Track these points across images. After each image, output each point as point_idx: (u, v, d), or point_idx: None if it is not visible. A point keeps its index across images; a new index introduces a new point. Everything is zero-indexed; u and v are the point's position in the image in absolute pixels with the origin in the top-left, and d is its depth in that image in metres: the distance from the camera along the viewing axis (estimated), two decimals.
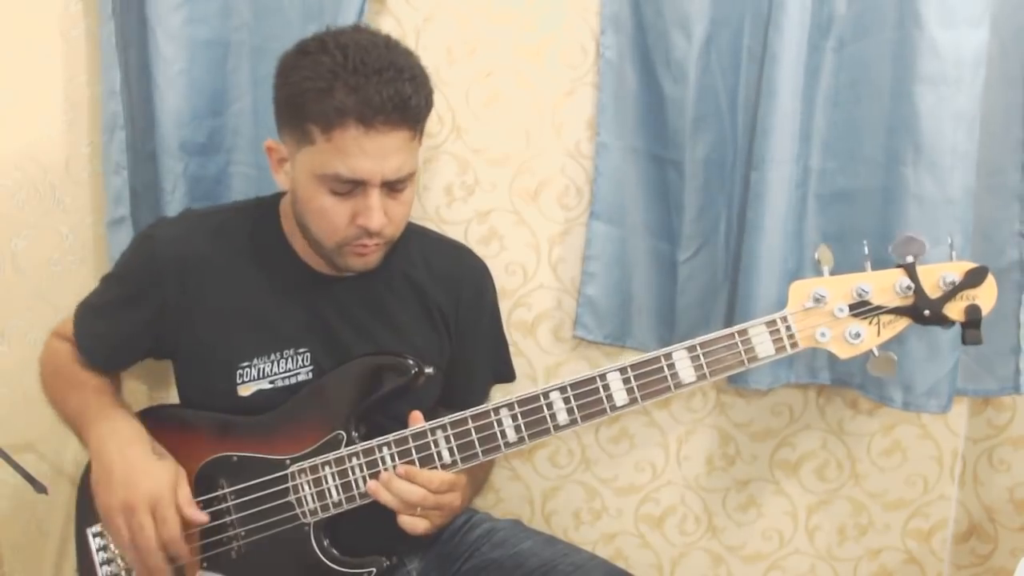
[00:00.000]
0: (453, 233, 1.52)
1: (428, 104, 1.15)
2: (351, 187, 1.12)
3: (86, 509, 1.24)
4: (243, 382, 1.24)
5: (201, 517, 1.18)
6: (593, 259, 1.53)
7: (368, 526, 1.18)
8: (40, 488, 1.27)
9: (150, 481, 1.14)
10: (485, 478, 1.59)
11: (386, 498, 1.14)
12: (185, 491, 1.17)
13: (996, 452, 1.54)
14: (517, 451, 1.63)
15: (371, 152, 1.09)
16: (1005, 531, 1.56)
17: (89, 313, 1.30)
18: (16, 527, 1.50)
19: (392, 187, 1.14)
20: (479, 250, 1.46)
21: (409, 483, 1.14)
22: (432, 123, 1.53)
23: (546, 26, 1.50)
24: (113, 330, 1.28)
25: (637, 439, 1.63)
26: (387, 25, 1.53)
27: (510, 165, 1.55)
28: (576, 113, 1.52)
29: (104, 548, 1.24)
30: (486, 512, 1.46)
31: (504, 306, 1.45)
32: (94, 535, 1.25)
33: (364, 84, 1.07)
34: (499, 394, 1.39)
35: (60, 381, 1.30)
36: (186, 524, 1.17)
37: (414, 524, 1.15)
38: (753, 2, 1.39)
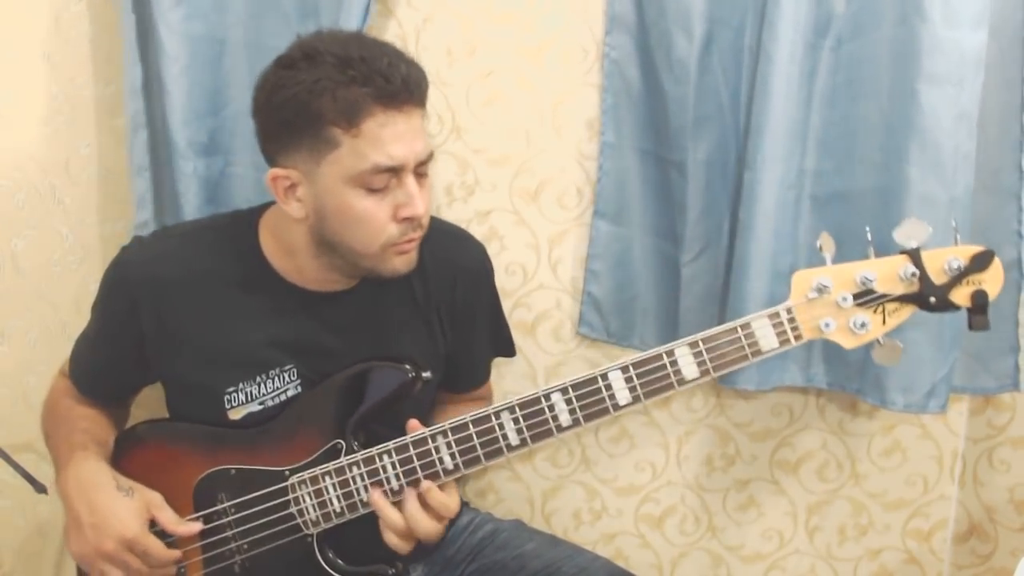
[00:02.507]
0: None
1: (426, 82, 1.13)
2: (388, 178, 1.09)
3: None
4: (232, 407, 1.20)
5: (190, 528, 1.16)
6: (597, 257, 1.54)
7: (372, 535, 1.16)
8: (40, 488, 1.27)
9: (118, 522, 1.12)
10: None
11: (392, 518, 1.12)
12: (167, 513, 1.16)
13: (996, 452, 1.54)
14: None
15: (401, 134, 1.08)
16: (1005, 531, 1.56)
17: (81, 344, 1.29)
18: (16, 528, 1.50)
19: (419, 172, 1.12)
20: None
21: (425, 515, 1.11)
22: (432, 123, 1.54)
23: (546, 26, 1.50)
24: (101, 360, 1.26)
25: (637, 439, 1.63)
26: (387, 25, 1.53)
27: (510, 165, 1.55)
28: (576, 113, 1.52)
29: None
30: (488, 513, 1.46)
31: (504, 306, 1.45)
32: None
33: (375, 72, 1.05)
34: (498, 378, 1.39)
35: (48, 422, 1.28)
36: (182, 541, 1.17)
37: (400, 544, 1.13)
38: (754, 1, 1.39)
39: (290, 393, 1.21)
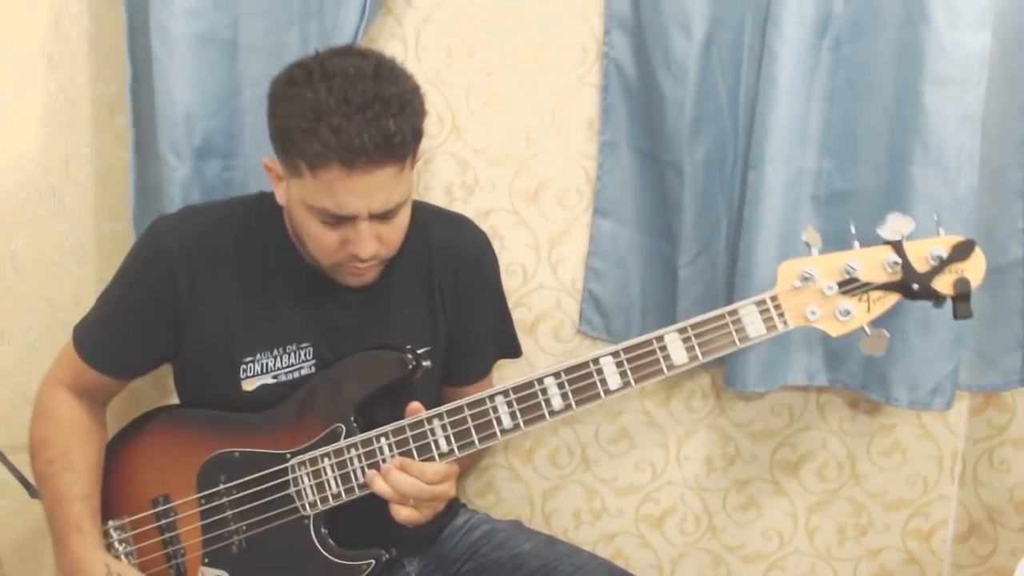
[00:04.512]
0: None
1: (416, 134, 1.14)
2: (339, 220, 1.13)
3: (106, 503, 1.26)
4: (246, 377, 1.25)
5: None
6: (597, 256, 1.54)
7: (367, 520, 1.19)
8: (34, 493, 1.27)
9: None
10: (475, 465, 1.60)
11: (382, 488, 1.15)
12: None
13: (996, 452, 1.54)
14: (516, 450, 1.64)
15: (356, 191, 1.09)
16: (1005, 531, 1.56)
17: (96, 326, 1.29)
18: (16, 528, 1.50)
19: (383, 215, 1.14)
20: None
21: (405, 474, 1.14)
22: (432, 123, 1.54)
23: (546, 26, 1.50)
24: (129, 334, 1.27)
25: (637, 439, 1.63)
26: (387, 25, 1.53)
27: (510, 165, 1.55)
28: (576, 113, 1.52)
29: (125, 541, 1.26)
30: (486, 513, 1.46)
31: None
32: (114, 528, 1.26)
33: (346, 125, 1.05)
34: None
35: (41, 461, 1.27)
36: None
37: (408, 515, 1.15)
38: (754, 1, 1.39)
39: (303, 372, 1.26)
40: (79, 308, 1.55)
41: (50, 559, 1.56)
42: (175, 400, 1.36)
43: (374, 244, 1.15)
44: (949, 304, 1.11)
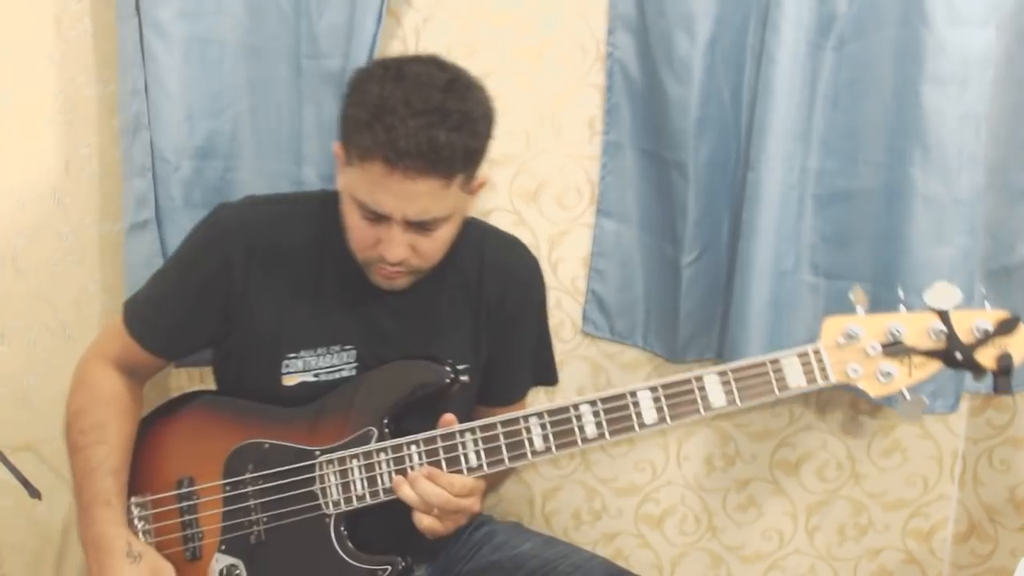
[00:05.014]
0: None
1: (471, 154, 1.14)
2: (376, 217, 1.14)
3: (131, 479, 1.25)
4: (288, 372, 1.25)
5: None
6: (601, 256, 1.54)
7: (387, 526, 1.19)
8: (34, 493, 1.27)
9: None
10: (500, 484, 1.59)
11: (408, 494, 1.15)
12: None
13: (996, 452, 1.54)
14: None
15: (395, 191, 1.10)
16: (1005, 531, 1.56)
17: (148, 305, 1.30)
18: (16, 528, 1.50)
19: (420, 225, 1.15)
20: None
21: (433, 484, 1.14)
22: None
23: (546, 27, 1.50)
24: (179, 317, 1.28)
25: (637, 439, 1.63)
26: (387, 25, 1.52)
27: (510, 165, 1.55)
28: (576, 113, 1.52)
29: (144, 518, 1.25)
30: (486, 514, 1.46)
31: None
32: (136, 504, 1.26)
33: (399, 126, 1.07)
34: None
35: (74, 432, 1.27)
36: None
37: (431, 524, 1.15)
38: (757, 1, 1.39)
39: (344, 373, 1.26)
40: (79, 308, 1.55)
41: (50, 559, 1.56)
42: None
43: (404, 250, 1.15)
44: (990, 378, 1.12)
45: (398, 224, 1.13)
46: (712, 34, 1.39)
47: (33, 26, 1.46)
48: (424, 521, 1.15)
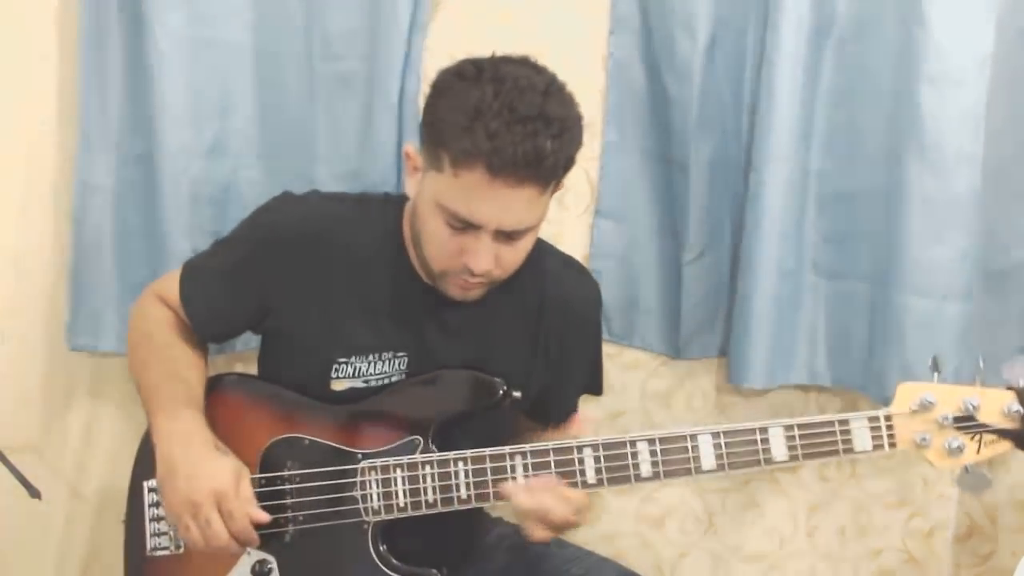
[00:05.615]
0: None
1: (568, 162, 1.10)
2: (465, 225, 1.09)
3: (146, 461, 1.22)
4: (337, 377, 1.21)
5: (261, 517, 1.15)
6: (599, 257, 1.54)
7: (424, 537, 1.17)
8: (34, 493, 1.26)
9: (213, 478, 1.12)
10: None
11: (525, 502, 1.10)
12: (247, 489, 1.15)
13: None
14: None
15: (493, 201, 1.06)
16: (1005, 531, 1.56)
17: (197, 276, 1.26)
18: (16, 528, 1.50)
19: (508, 235, 1.11)
20: None
21: (553, 497, 1.10)
22: None
23: (546, 27, 1.50)
24: (224, 300, 1.25)
25: None
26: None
27: None
28: None
29: (158, 504, 1.22)
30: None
31: None
32: (150, 489, 1.23)
33: (504, 132, 1.03)
34: None
35: (144, 351, 1.25)
36: None
37: (543, 534, 1.12)
38: (757, 2, 1.39)
39: (394, 379, 1.22)
40: None
41: (51, 559, 1.56)
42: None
43: (490, 261, 1.11)
44: None
45: (488, 234, 1.09)
46: (713, 35, 1.39)
47: (32, 25, 1.46)
48: (538, 532, 1.11)
